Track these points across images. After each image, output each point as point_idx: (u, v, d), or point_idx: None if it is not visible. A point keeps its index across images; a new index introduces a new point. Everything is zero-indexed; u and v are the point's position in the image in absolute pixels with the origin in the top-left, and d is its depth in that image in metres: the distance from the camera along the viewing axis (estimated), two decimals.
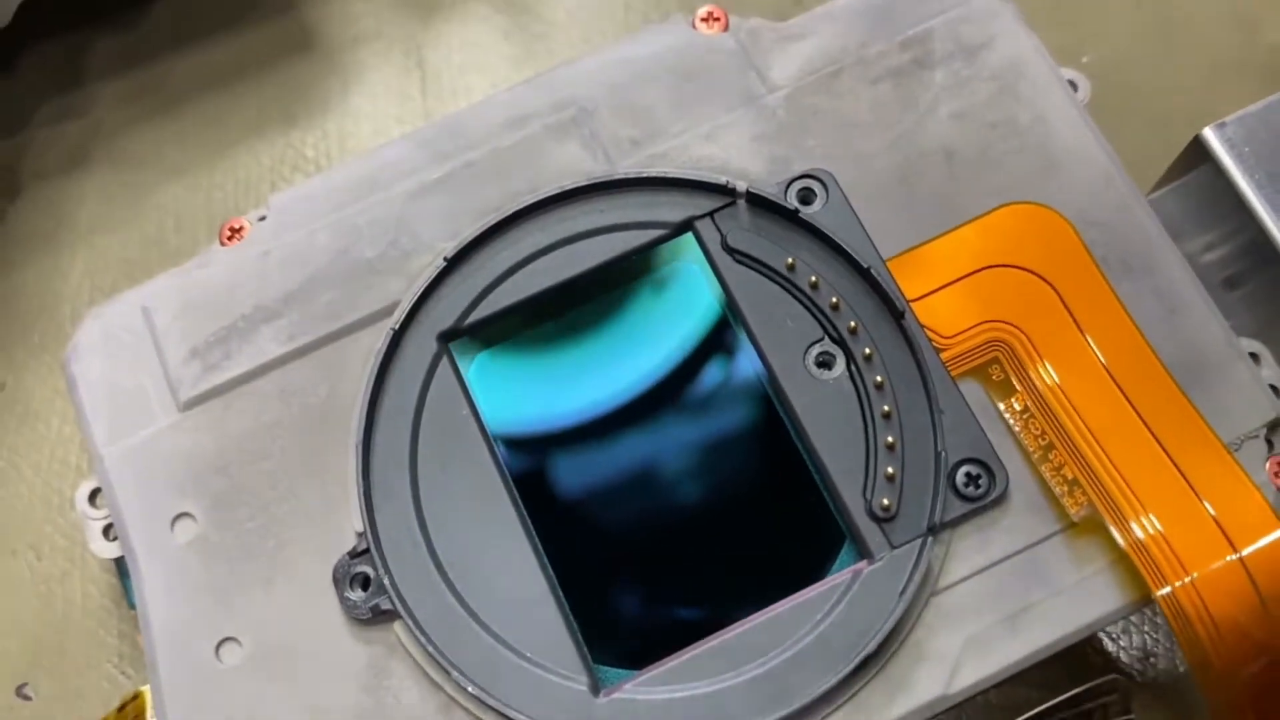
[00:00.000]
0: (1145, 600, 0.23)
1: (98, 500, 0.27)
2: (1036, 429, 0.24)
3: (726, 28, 0.28)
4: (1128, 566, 0.23)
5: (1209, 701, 0.23)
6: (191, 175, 0.32)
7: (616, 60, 0.28)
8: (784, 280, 0.25)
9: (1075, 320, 0.25)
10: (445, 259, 0.25)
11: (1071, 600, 0.23)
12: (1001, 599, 0.23)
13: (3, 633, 0.28)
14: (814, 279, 0.25)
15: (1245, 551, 0.23)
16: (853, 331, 0.25)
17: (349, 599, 0.24)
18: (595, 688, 0.23)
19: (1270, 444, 0.24)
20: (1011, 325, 0.25)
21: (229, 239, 0.27)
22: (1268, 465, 0.24)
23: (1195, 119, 0.32)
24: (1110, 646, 0.29)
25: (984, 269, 0.26)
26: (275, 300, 0.26)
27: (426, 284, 0.25)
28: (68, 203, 0.32)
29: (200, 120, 0.33)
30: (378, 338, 0.25)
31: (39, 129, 0.32)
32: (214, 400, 0.25)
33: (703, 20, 0.28)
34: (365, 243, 0.26)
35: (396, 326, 0.25)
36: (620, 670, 0.23)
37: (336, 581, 0.24)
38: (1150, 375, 0.24)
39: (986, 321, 0.25)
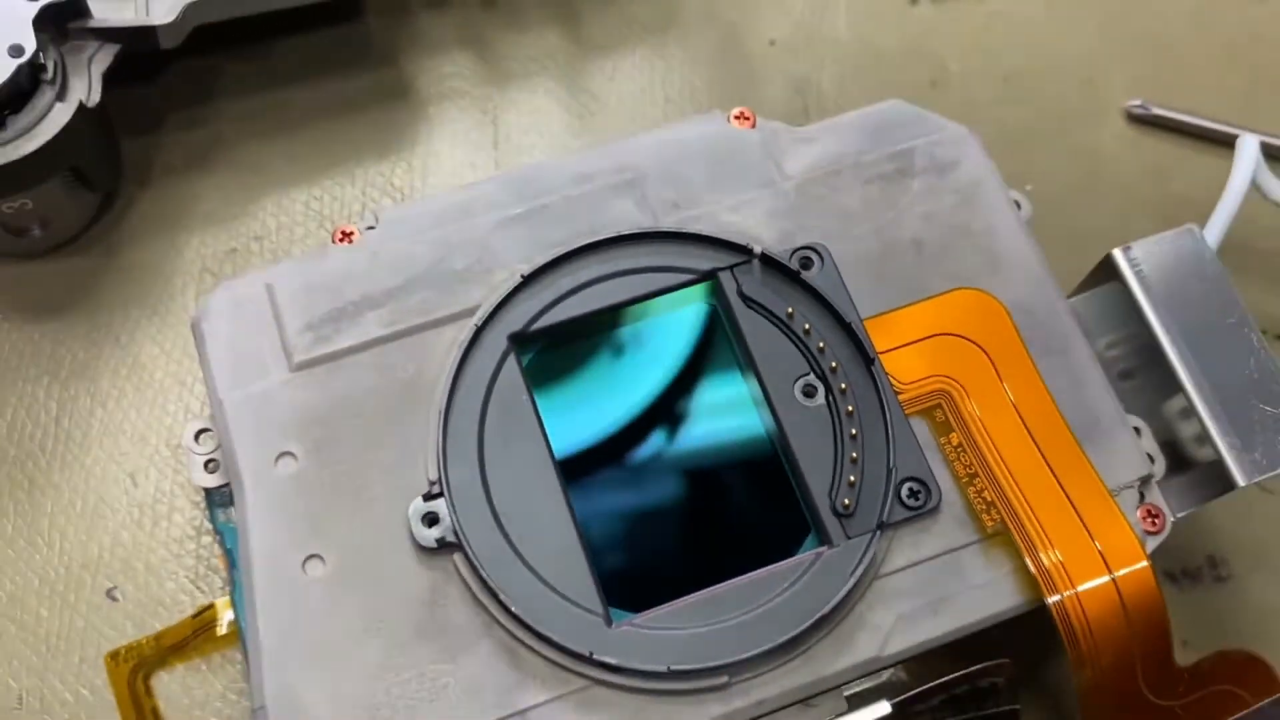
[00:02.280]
0: (1037, 602, 0.30)
1: (201, 439, 0.33)
2: (966, 461, 0.31)
3: (754, 126, 0.35)
4: (1026, 575, 0.30)
5: (1080, 689, 0.30)
6: (295, 187, 0.39)
7: (665, 140, 0.35)
8: (784, 325, 0.32)
9: (1003, 383, 0.32)
10: (522, 275, 0.32)
11: (982, 595, 0.30)
12: (928, 588, 0.30)
13: (101, 545, 0.34)
14: (807, 327, 0.32)
15: (1118, 574, 0.30)
16: (833, 370, 0.32)
17: (420, 532, 0.30)
18: (608, 620, 0.29)
19: (1141, 494, 0.32)
20: (954, 380, 0.32)
21: (339, 240, 0.34)
22: (1138, 511, 0.31)
23: (1106, 244, 0.40)
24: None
25: (937, 335, 0.33)
26: (379, 293, 0.32)
27: (505, 294, 0.32)
28: (188, 196, 0.38)
29: (308, 143, 0.39)
30: (460, 332, 0.32)
31: (170, 132, 0.39)
32: (321, 366, 0.31)
33: (736, 118, 0.36)
34: (456, 257, 0.33)
35: (480, 324, 0.31)
36: (628, 612, 0.30)
37: (410, 516, 0.30)
38: (1056, 431, 0.32)
39: (935, 375, 0.32)
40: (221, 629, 0.33)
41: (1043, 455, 0.31)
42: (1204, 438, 0.32)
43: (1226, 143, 0.42)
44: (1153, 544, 0.31)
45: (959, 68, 0.43)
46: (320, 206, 0.38)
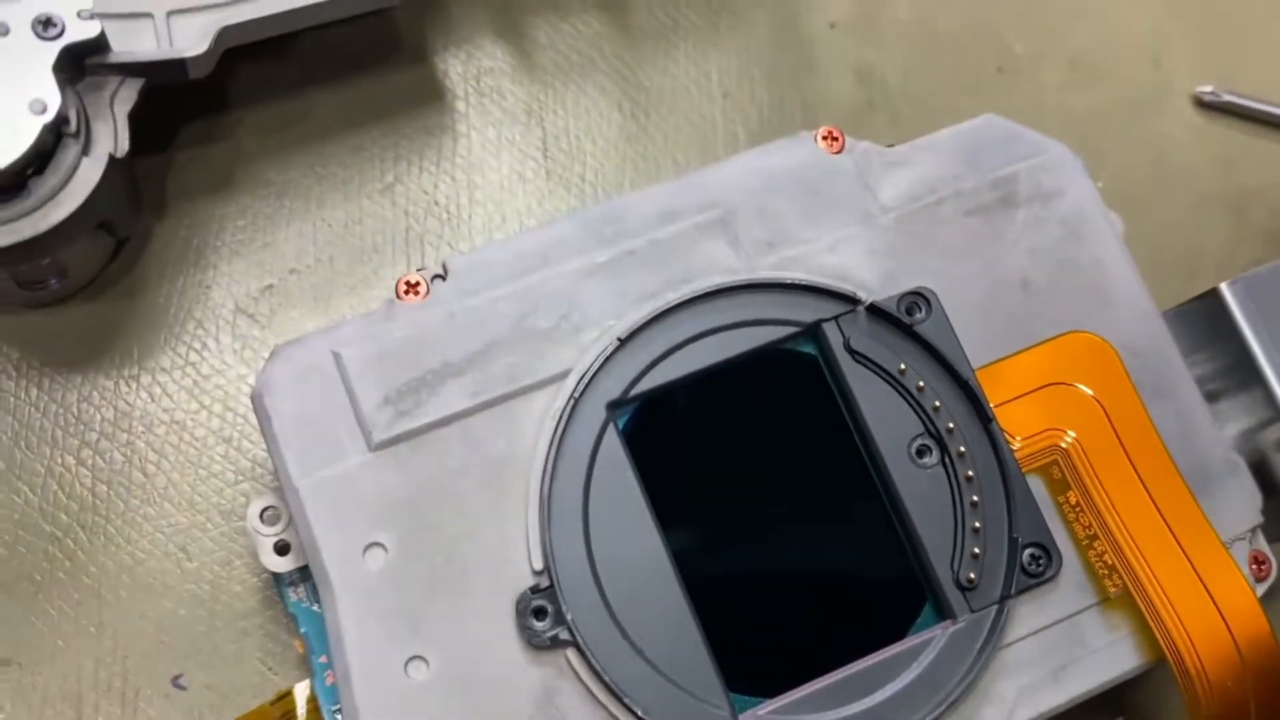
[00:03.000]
0: (1159, 661, 0.30)
1: (266, 517, 0.30)
2: (1085, 521, 0.30)
3: (843, 148, 0.33)
4: (1146, 636, 0.30)
5: None
6: (328, 209, 0.35)
7: (752, 168, 0.32)
8: (895, 382, 0.30)
9: (1117, 434, 0.31)
10: (619, 339, 0.29)
11: (1103, 659, 0.30)
12: (1049, 656, 0.29)
13: (159, 627, 0.31)
14: (921, 384, 0.30)
15: (1237, 630, 0.30)
16: (949, 431, 0.30)
17: (531, 628, 0.28)
18: (733, 714, 0.28)
19: (1250, 542, 0.31)
20: (1069, 434, 0.31)
21: (405, 293, 0.31)
22: (1248, 558, 0.31)
23: (1174, 241, 0.39)
24: None
25: (1049, 385, 0.31)
26: (460, 359, 0.30)
27: (602, 360, 0.29)
28: (210, 224, 0.34)
29: (337, 156, 0.35)
30: (550, 399, 0.29)
31: (184, 149, 0.34)
32: (403, 444, 0.29)
33: (824, 139, 0.33)
34: (540, 314, 0.30)
35: (579, 396, 0.29)
36: (748, 698, 0.28)
37: (519, 612, 0.28)
38: (1170, 484, 0.31)
39: (1050, 429, 0.31)
40: (300, 716, 0.31)
41: (1159, 511, 0.30)
42: None
43: None
44: (1261, 590, 0.31)
45: (1024, 50, 0.40)
46: (361, 232, 0.35)
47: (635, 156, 0.36)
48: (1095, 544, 0.30)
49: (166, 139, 0.34)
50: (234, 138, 0.35)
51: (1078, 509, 0.30)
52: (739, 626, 0.29)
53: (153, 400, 0.33)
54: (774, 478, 0.30)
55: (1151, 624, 0.29)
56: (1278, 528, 0.33)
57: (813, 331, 0.31)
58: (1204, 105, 0.41)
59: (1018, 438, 0.31)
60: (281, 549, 0.30)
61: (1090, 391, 0.31)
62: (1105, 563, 0.30)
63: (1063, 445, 0.31)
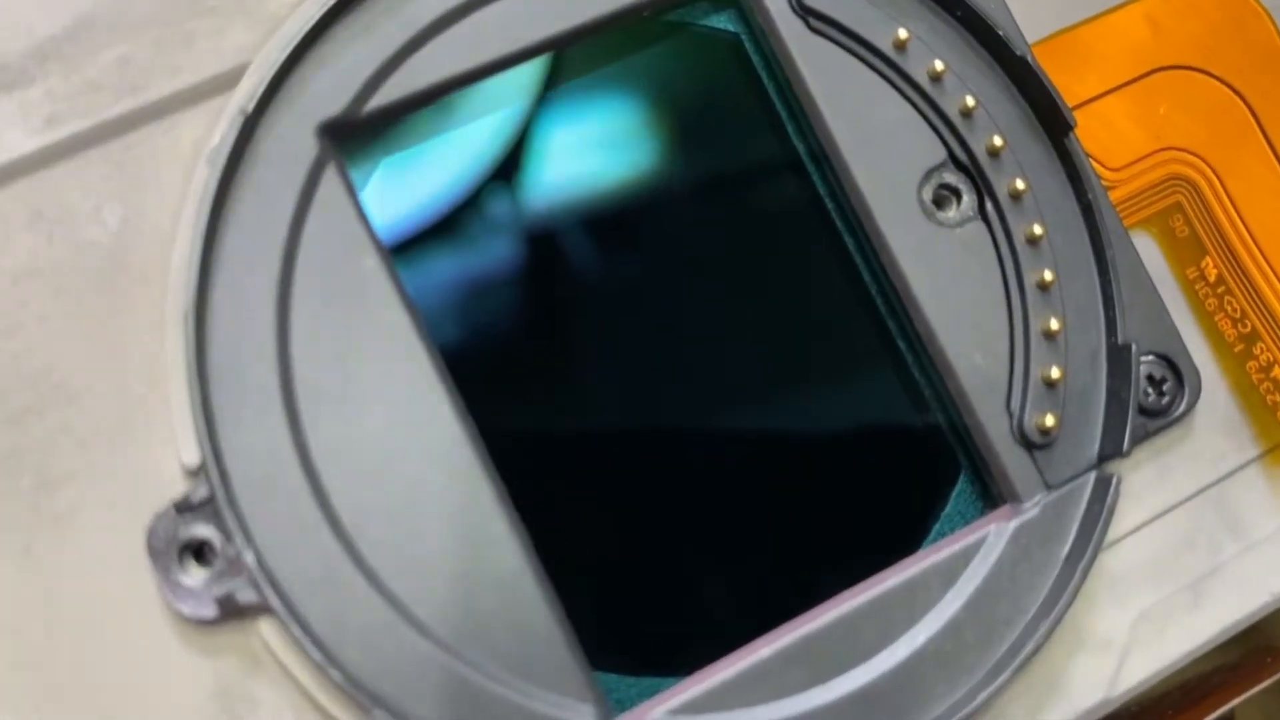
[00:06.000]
0: None
1: None
2: (1234, 310, 0.17)
3: None
4: None
5: None
6: None
7: None
8: (890, 67, 0.16)
9: (1274, 151, 0.17)
10: None
11: (1270, 556, 0.17)
12: (1183, 557, 0.17)
13: None
14: (939, 67, 0.16)
15: None
16: (994, 154, 0.16)
17: (180, 584, 0.14)
18: (605, 714, 0.14)
19: None
20: (1195, 156, 0.17)
21: None
22: None
23: None
24: None
25: (1156, 71, 0.17)
26: (21, 53, 0.15)
27: (300, 39, 0.15)
28: None
29: None
30: (206, 126, 0.15)
31: None
32: None
33: None
34: None
35: (250, 110, 0.14)
36: (635, 679, 0.15)
37: (155, 551, 0.14)
38: None
39: (1164, 149, 0.17)
40: None
41: None
42: None
43: None
44: None
45: None
46: None
47: None
48: (1254, 350, 0.17)
49: None
50: None
51: (1220, 290, 0.17)
52: (607, 552, 0.15)
53: None
54: (664, 263, 0.16)
55: None
56: None
57: None
58: None
59: (1109, 166, 0.17)
60: None
61: (1224, 80, 0.17)
62: (1274, 381, 0.17)
63: (1187, 176, 0.17)
